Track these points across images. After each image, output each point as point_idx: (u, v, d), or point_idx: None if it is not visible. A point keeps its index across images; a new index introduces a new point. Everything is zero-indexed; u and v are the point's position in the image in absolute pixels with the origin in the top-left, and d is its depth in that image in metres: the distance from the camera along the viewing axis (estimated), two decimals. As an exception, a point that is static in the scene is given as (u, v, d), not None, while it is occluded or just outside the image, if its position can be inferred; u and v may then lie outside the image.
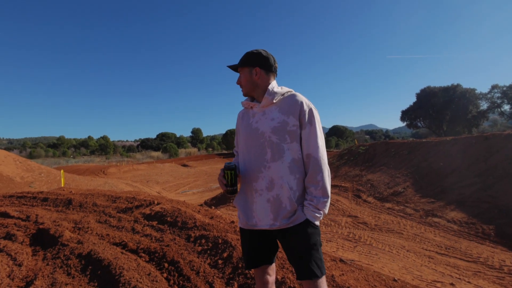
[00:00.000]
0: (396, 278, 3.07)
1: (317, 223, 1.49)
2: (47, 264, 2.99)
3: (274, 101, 1.55)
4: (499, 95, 28.95)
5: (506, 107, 29.46)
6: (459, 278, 3.90)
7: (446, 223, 6.19)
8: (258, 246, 1.59)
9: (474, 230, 5.71)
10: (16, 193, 6.54)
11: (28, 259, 3.15)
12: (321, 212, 1.47)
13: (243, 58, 1.66)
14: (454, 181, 7.60)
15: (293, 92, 1.60)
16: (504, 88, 28.31)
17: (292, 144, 1.50)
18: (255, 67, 1.61)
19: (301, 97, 1.55)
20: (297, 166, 1.50)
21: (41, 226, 3.90)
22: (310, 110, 1.52)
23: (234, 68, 1.70)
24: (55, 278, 2.68)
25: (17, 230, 3.90)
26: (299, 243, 1.47)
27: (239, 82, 1.69)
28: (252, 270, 1.71)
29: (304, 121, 1.50)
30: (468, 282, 3.78)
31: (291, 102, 1.54)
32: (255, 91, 1.64)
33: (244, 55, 1.66)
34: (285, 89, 1.60)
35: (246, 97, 1.72)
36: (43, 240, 3.62)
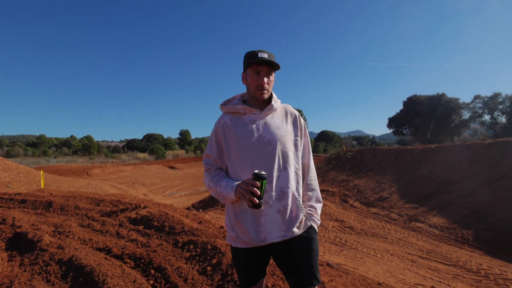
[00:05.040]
0: (380, 282, 3.11)
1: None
2: (25, 270, 2.86)
3: (275, 108, 1.54)
4: (481, 105, 30.12)
5: (487, 117, 30.68)
6: (440, 281, 4.00)
7: (428, 228, 6.33)
8: (257, 262, 1.49)
9: (454, 235, 5.86)
10: (-7, 194, 6.26)
11: (3, 264, 3.01)
12: (320, 218, 1.56)
13: (273, 59, 1.44)
14: (436, 188, 7.80)
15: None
16: (486, 99, 29.50)
17: (297, 152, 1.54)
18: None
19: (292, 108, 1.62)
20: (298, 174, 1.53)
21: (18, 230, 3.75)
22: (304, 123, 1.61)
23: (273, 65, 1.45)
24: (33, 286, 2.57)
25: (-7, 234, 3.73)
26: (306, 249, 1.46)
27: (268, 83, 1.47)
28: None
29: (302, 133, 1.58)
30: (448, 285, 3.88)
31: (289, 112, 1.58)
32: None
33: (272, 54, 1.45)
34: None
35: (233, 102, 1.56)
36: (20, 244, 3.48)
